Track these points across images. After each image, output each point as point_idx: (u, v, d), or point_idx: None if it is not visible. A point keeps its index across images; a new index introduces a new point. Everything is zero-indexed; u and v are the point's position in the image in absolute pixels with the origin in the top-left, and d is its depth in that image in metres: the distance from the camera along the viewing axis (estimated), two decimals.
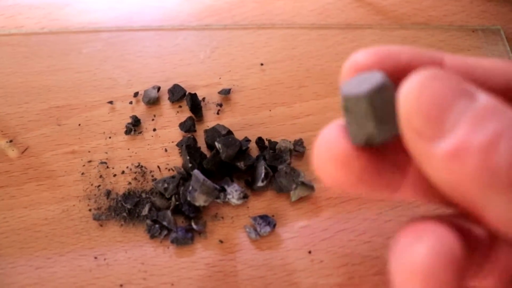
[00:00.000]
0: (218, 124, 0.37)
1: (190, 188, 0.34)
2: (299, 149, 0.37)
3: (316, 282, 0.33)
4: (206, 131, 0.37)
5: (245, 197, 0.34)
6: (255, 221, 0.34)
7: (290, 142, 0.37)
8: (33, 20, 0.45)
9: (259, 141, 0.37)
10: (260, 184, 0.35)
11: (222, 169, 0.35)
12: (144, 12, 0.46)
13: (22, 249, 0.34)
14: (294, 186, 0.35)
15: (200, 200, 0.34)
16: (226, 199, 0.35)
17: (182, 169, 0.36)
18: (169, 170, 0.37)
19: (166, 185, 0.35)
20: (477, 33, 0.44)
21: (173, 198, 0.35)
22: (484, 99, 0.14)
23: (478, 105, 0.14)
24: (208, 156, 0.36)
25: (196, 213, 0.35)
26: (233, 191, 0.34)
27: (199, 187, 0.33)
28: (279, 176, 0.35)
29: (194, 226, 0.34)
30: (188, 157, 0.35)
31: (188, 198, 0.34)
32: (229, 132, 0.36)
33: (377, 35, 0.44)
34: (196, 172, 0.34)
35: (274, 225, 0.34)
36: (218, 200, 0.35)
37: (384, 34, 0.44)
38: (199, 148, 0.37)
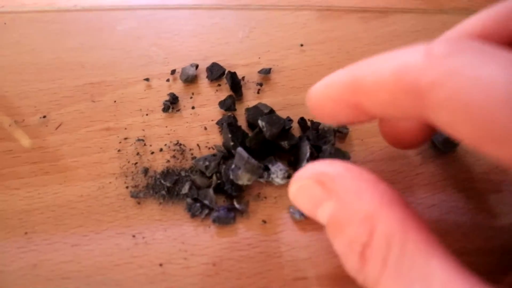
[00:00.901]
0: (260, 103, 0.36)
1: (233, 166, 0.33)
2: (342, 130, 0.36)
3: None
4: (248, 109, 0.36)
5: (289, 176, 0.33)
6: None
7: None
8: None
9: (302, 121, 0.36)
10: (305, 164, 0.34)
11: (265, 148, 0.35)
12: None
13: (57, 225, 0.33)
14: None
15: (243, 178, 0.33)
16: (270, 179, 0.34)
17: (223, 148, 0.35)
18: (209, 148, 0.36)
19: (207, 163, 0.34)
20: None
21: (214, 177, 0.34)
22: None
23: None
24: (249, 135, 0.35)
25: (239, 192, 0.34)
26: (278, 170, 0.33)
27: (243, 165, 0.32)
28: (323, 156, 0.34)
29: (237, 206, 0.33)
30: (230, 135, 0.34)
31: (231, 177, 0.33)
32: (272, 111, 0.36)
33: (416, 19, 0.43)
34: (240, 149, 0.33)
35: None
36: (261, 180, 0.34)
37: (423, 18, 0.43)
38: (240, 126, 0.36)
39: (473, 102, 0.17)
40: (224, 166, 0.34)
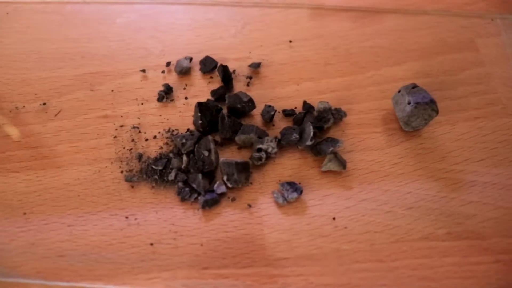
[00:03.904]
0: (240, 91, 0.38)
1: (226, 176, 0.35)
2: (341, 115, 0.38)
3: (340, 247, 0.34)
4: (228, 96, 0.38)
5: (279, 142, 0.37)
6: (282, 187, 0.35)
7: (327, 102, 0.38)
8: None
9: (305, 104, 0.39)
10: (308, 143, 0.36)
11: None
12: None
13: (55, 207, 0.36)
14: (331, 149, 0.36)
15: (242, 179, 0.35)
16: (261, 153, 0.36)
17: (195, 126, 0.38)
18: None
19: (184, 140, 0.36)
20: (496, 22, 0.46)
21: (184, 157, 0.36)
22: None
23: None
24: (223, 116, 0.37)
25: (210, 168, 0.36)
26: (269, 141, 0.36)
27: (235, 169, 0.35)
28: (319, 142, 0.37)
29: (216, 188, 0.35)
30: (199, 114, 0.36)
31: (230, 185, 0.35)
32: (250, 100, 0.38)
33: (400, 19, 0.46)
34: (222, 160, 0.36)
35: (301, 192, 0.35)
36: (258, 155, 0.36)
37: (406, 18, 0.46)
38: (211, 107, 0.38)
39: None
40: (197, 145, 0.36)
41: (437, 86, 0.41)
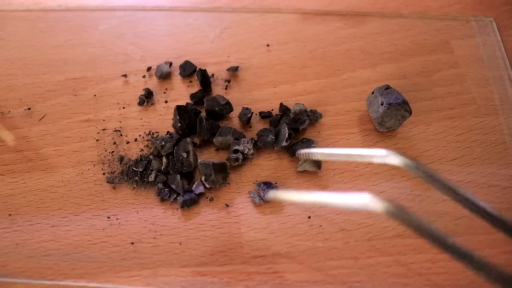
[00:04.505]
0: (218, 95, 0.40)
1: (203, 177, 0.36)
2: (317, 116, 0.40)
3: (315, 245, 0.35)
4: (206, 99, 0.39)
5: (255, 143, 0.38)
6: (259, 187, 0.36)
7: (303, 104, 0.39)
8: None
9: (281, 106, 0.40)
10: (284, 144, 0.37)
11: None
12: None
13: (39, 208, 0.37)
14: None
15: (219, 179, 0.36)
16: (238, 155, 0.37)
17: (174, 129, 0.39)
18: None
19: (163, 143, 0.37)
20: (470, 24, 0.47)
21: (164, 159, 0.37)
22: None
23: None
24: (201, 120, 0.38)
25: (188, 169, 0.37)
26: (245, 142, 0.37)
27: (212, 170, 0.36)
28: (295, 143, 0.38)
29: (194, 189, 0.36)
30: (178, 117, 0.37)
31: (208, 186, 0.37)
32: (228, 103, 0.39)
33: (376, 22, 0.47)
34: (200, 161, 0.37)
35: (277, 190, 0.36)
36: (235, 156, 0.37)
37: (383, 22, 0.47)
38: (190, 111, 0.39)
39: None
40: (176, 147, 0.37)
41: (412, 87, 0.42)
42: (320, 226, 0.36)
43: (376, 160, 0.29)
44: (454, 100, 0.42)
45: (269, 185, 0.37)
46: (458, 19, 0.47)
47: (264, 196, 0.36)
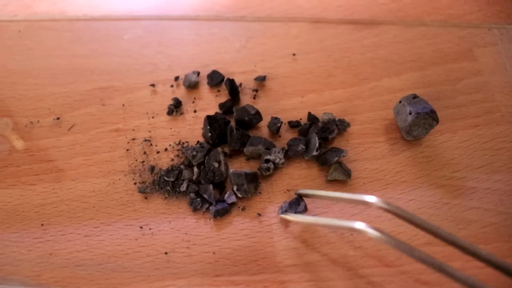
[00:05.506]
0: (248, 104, 0.40)
1: (236, 187, 0.37)
2: (345, 125, 0.40)
3: (347, 253, 0.36)
4: (236, 109, 0.40)
5: (286, 153, 0.38)
6: (289, 208, 0.37)
7: (331, 113, 0.40)
8: (75, 7, 0.48)
9: (310, 115, 0.41)
10: (314, 153, 0.38)
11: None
12: (181, 2, 0.48)
13: (71, 218, 0.37)
14: (336, 159, 0.38)
15: (251, 189, 0.37)
16: (269, 164, 0.37)
17: (204, 138, 0.39)
18: None
19: (194, 153, 0.38)
20: (492, 31, 0.47)
21: (195, 168, 0.37)
22: None
23: None
24: (231, 129, 0.39)
25: (220, 179, 0.37)
26: (276, 152, 0.37)
27: (245, 180, 0.36)
28: (325, 152, 0.38)
29: (226, 198, 0.37)
30: (208, 126, 0.38)
31: (240, 195, 0.37)
32: (257, 113, 0.39)
33: (399, 31, 0.47)
34: (232, 171, 0.37)
35: (305, 209, 0.37)
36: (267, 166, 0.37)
37: (405, 30, 0.47)
38: (220, 120, 0.39)
39: None
40: (207, 157, 0.38)
41: (436, 96, 0.43)
42: (351, 234, 0.36)
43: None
44: (479, 108, 0.42)
45: (297, 203, 0.37)
46: (480, 26, 0.48)
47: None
